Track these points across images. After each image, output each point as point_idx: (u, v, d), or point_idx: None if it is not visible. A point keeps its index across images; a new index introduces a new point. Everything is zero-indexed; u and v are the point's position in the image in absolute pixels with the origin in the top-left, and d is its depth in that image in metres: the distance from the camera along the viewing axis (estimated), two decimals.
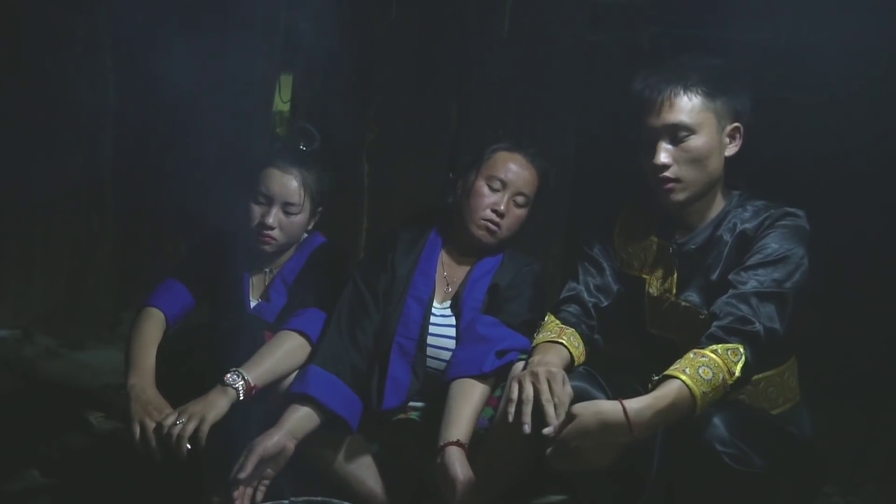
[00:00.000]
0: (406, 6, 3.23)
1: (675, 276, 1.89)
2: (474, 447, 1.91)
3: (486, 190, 2.13)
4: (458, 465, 1.84)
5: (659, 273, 1.92)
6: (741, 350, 1.63)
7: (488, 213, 2.12)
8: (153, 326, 2.09)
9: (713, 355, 1.62)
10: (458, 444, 1.88)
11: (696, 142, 1.80)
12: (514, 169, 2.15)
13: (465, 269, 2.19)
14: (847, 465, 2.44)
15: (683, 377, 1.58)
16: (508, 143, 2.22)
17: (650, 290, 1.92)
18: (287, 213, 2.17)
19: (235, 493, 1.84)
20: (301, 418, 1.92)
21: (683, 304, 1.87)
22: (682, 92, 1.80)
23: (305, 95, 3.35)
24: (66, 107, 3.41)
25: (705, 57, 1.87)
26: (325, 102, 3.08)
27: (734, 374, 1.61)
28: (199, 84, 3.21)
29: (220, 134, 3.34)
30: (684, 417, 1.59)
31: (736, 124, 1.84)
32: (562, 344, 1.84)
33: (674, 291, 1.89)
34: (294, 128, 2.18)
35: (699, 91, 1.80)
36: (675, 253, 1.90)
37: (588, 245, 2.02)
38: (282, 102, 3.42)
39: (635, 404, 1.57)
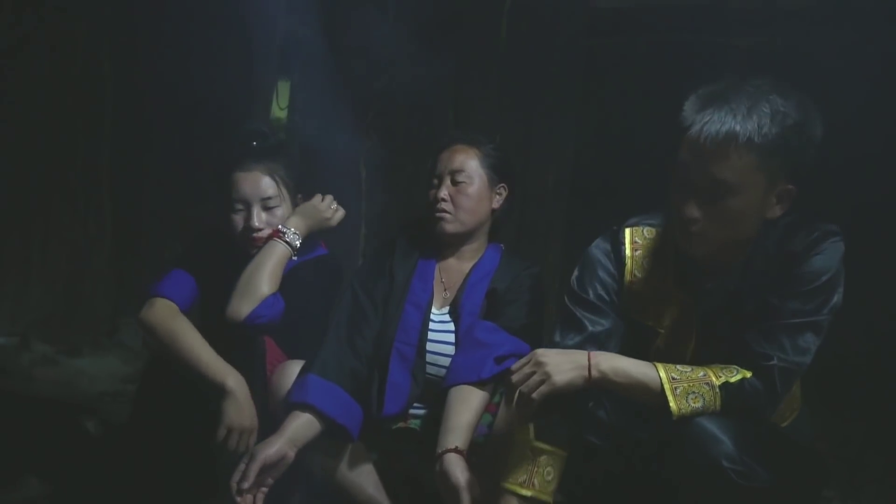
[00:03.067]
0: (403, 11, 3.23)
1: (694, 339, 1.71)
2: (473, 454, 1.90)
3: (430, 190, 2.18)
4: (460, 472, 1.82)
5: (678, 333, 1.73)
6: (739, 370, 1.59)
7: (433, 206, 2.16)
8: (185, 321, 2.06)
9: (701, 368, 1.61)
10: (456, 450, 1.86)
11: (733, 203, 1.56)
12: (445, 157, 2.19)
13: (463, 273, 2.19)
14: (846, 469, 2.45)
15: (657, 364, 1.60)
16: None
17: (659, 345, 1.75)
18: (267, 209, 2.16)
19: (238, 500, 1.84)
20: (301, 426, 1.91)
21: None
22: (734, 144, 1.51)
23: (302, 102, 3.36)
24: (65, 112, 3.41)
25: (779, 93, 1.55)
26: (323, 109, 3.08)
27: (721, 376, 1.58)
28: (197, 90, 3.22)
29: (217, 140, 3.34)
30: (649, 395, 1.59)
31: (790, 186, 1.59)
32: None
33: (690, 350, 1.72)
34: (242, 131, 2.18)
35: (757, 148, 1.52)
36: (698, 312, 1.70)
37: (582, 286, 1.77)
38: (279, 109, 3.43)
39: (601, 355, 1.62)
